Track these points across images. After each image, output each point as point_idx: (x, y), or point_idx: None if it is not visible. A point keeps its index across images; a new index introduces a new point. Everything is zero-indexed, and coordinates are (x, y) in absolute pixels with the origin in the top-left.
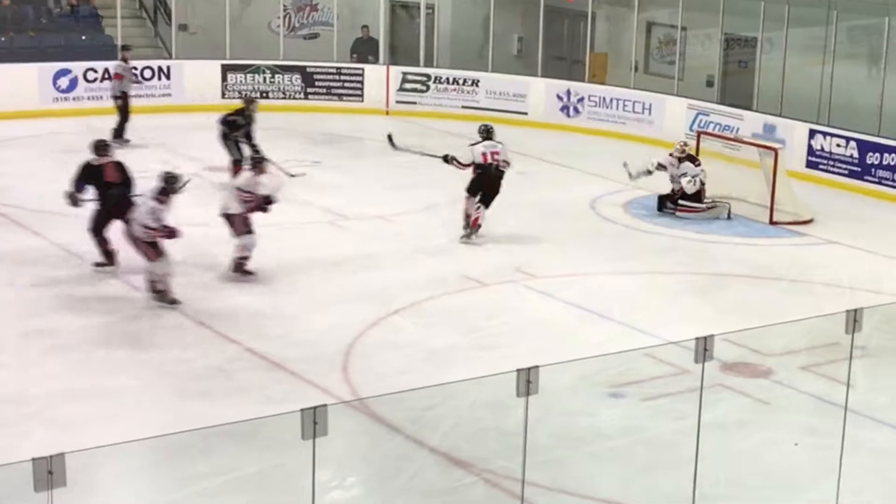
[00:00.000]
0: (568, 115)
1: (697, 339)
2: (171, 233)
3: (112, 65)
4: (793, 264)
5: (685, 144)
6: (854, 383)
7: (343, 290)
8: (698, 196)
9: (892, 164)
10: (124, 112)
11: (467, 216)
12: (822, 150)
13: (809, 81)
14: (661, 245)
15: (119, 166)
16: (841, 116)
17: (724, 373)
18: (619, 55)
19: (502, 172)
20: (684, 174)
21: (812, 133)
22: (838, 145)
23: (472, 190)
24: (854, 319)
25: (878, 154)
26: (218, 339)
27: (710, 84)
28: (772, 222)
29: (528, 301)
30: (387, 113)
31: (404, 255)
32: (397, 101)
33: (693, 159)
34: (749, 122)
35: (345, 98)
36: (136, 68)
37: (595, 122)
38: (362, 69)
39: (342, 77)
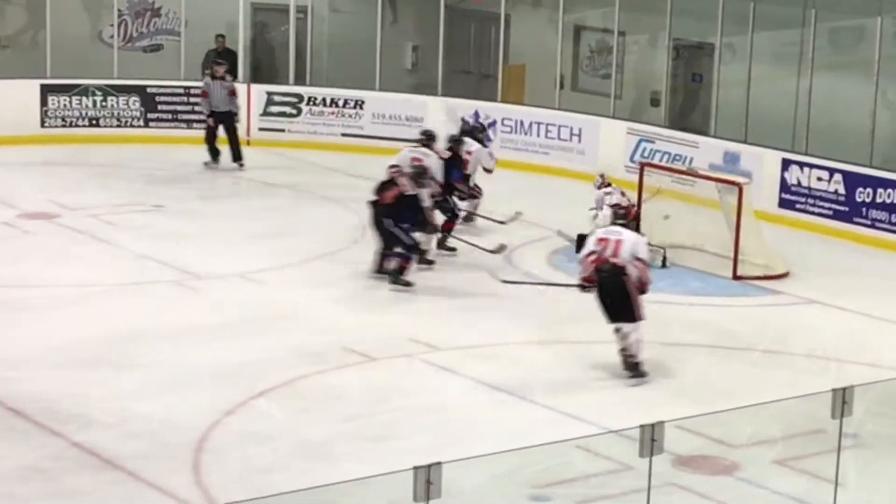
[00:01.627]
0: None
1: (643, 426)
2: None
3: None
4: (764, 330)
5: (601, 176)
6: (843, 481)
7: (193, 367)
8: None
9: (887, 202)
10: None
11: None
12: (799, 184)
13: (782, 98)
14: (594, 306)
15: None
16: (823, 142)
17: (678, 469)
18: (540, 67)
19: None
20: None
21: (786, 164)
22: (819, 179)
23: None
24: (843, 400)
25: (869, 189)
26: (35, 430)
27: (655, 103)
28: (736, 277)
29: (427, 379)
30: (248, 143)
31: (270, 322)
32: (261, 129)
33: (607, 186)
34: (706, 151)
35: (195, 125)
36: None
37: (510, 152)
38: None
39: (191, 99)
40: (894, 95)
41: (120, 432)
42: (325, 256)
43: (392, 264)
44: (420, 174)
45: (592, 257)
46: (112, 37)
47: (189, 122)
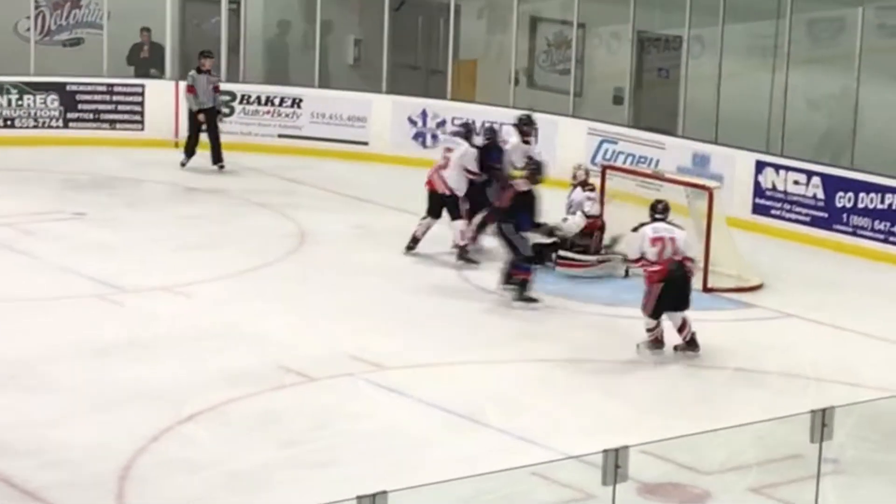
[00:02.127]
0: (424, 146)
1: (606, 451)
2: None
3: None
4: (737, 347)
5: (579, 168)
6: None
7: (116, 389)
8: (587, 245)
9: (870, 207)
10: None
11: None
12: (775, 188)
13: (756, 95)
14: (554, 321)
15: None
16: (800, 143)
17: (644, 498)
18: (493, 62)
19: None
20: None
21: (760, 166)
22: (797, 182)
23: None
24: (822, 423)
25: (850, 194)
26: None
27: (618, 101)
28: (706, 289)
29: (371, 402)
30: (176, 145)
31: (199, 340)
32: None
33: (585, 185)
34: (673, 152)
35: (119, 126)
36: None
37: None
38: (142, 86)
39: (115, 97)
40: (877, 92)
41: (38, 461)
42: (259, 268)
43: (517, 277)
44: (536, 170)
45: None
46: (28, 30)
47: (112, 123)
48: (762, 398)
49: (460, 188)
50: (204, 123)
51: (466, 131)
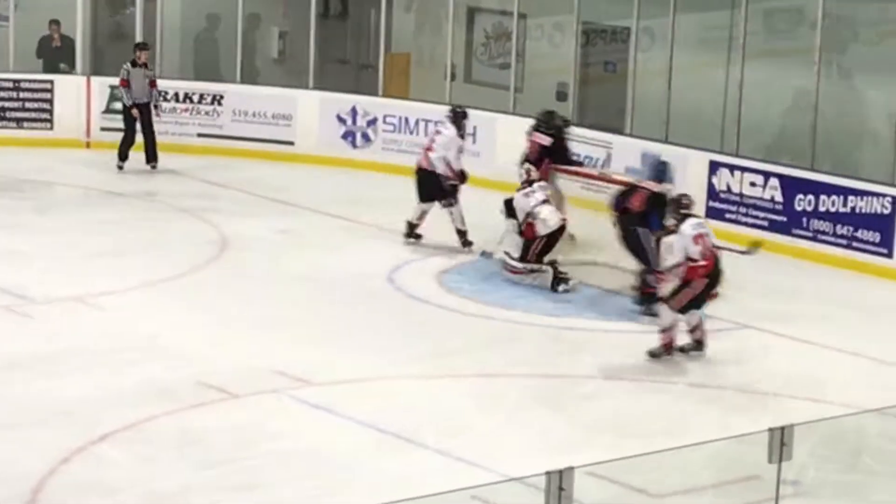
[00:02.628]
0: (354, 145)
1: (549, 473)
2: None
3: None
4: (690, 360)
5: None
6: None
7: (24, 406)
8: (527, 250)
9: (832, 210)
10: None
11: None
12: (730, 190)
13: (709, 91)
14: (493, 333)
15: None
16: (756, 141)
17: None
18: (428, 56)
19: None
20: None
21: (714, 166)
22: (753, 184)
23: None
24: (781, 442)
25: (810, 197)
26: None
27: (562, 97)
28: (658, 298)
29: (297, 420)
30: (87, 145)
31: (113, 353)
32: (103, 129)
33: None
34: (621, 151)
35: (26, 124)
36: None
37: (393, 154)
38: (51, 82)
39: (22, 94)
40: (839, 87)
41: None
42: (178, 277)
43: (647, 293)
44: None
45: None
46: None
47: (19, 122)
48: (717, 415)
49: (444, 172)
50: (138, 120)
51: (455, 116)
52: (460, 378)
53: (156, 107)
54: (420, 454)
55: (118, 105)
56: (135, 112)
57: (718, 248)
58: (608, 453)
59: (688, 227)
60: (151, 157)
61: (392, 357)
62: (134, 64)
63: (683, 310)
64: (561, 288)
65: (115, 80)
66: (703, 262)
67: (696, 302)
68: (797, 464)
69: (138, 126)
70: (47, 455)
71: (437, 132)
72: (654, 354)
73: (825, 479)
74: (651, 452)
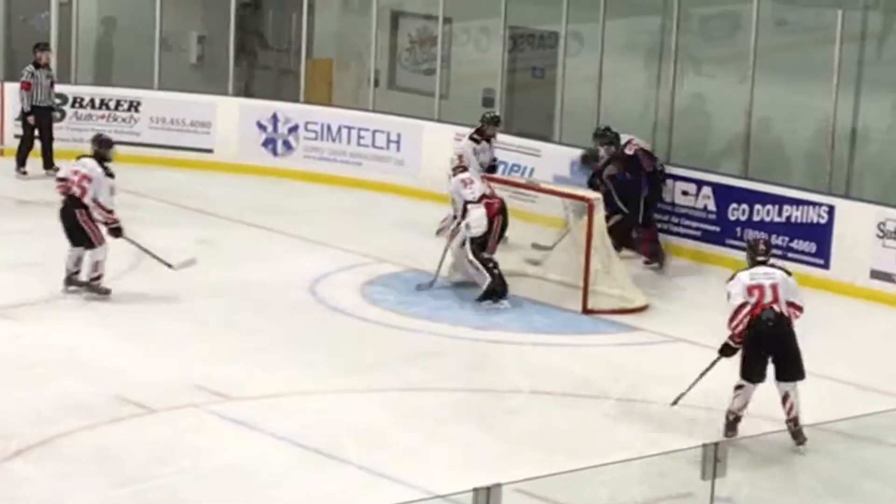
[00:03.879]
0: (275, 153)
1: (476, 489)
2: None
3: None
4: (619, 374)
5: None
6: None
7: None
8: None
9: (766, 220)
10: None
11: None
12: (661, 200)
13: (640, 98)
14: (416, 347)
15: None
16: (689, 149)
17: None
18: (350, 61)
19: None
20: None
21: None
22: (685, 193)
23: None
24: (714, 458)
25: (745, 206)
26: None
27: (488, 103)
28: (586, 311)
29: (217, 435)
30: (1, 153)
31: (25, 367)
32: (17, 136)
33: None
34: (550, 160)
35: None
36: None
37: (316, 162)
38: None
39: None
40: (773, 94)
41: None
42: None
43: None
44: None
45: (746, 309)
46: None
47: None
48: (648, 431)
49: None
50: (36, 126)
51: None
52: (383, 392)
53: (54, 110)
54: (342, 470)
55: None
56: (31, 119)
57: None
58: (536, 469)
59: (748, 275)
60: (49, 162)
61: (314, 371)
62: (37, 65)
63: (745, 374)
64: (486, 304)
65: None
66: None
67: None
68: (731, 481)
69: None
70: None
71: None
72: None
73: (759, 497)
74: (581, 469)
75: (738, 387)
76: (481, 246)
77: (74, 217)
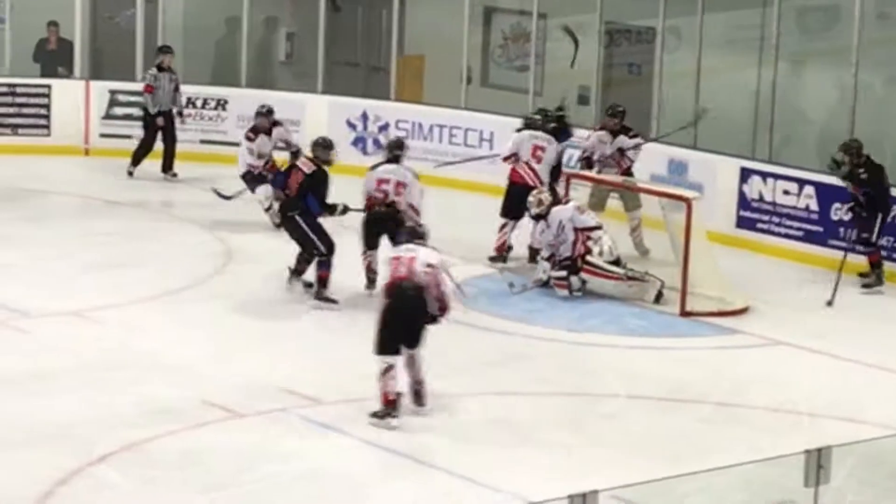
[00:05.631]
0: (364, 152)
1: (571, 496)
2: None
3: None
4: (719, 378)
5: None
6: None
7: (18, 425)
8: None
9: None
10: None
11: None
12: (762, 199)
13: (739, 94)
14: (506, 349)
15: None
16: (790, 147)
17: None
18: (442, 59)
19: None
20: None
21: (745, 174)
22: (787, 192)
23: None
24: (818, 464)
25: (849, 205)
26: None
27: (583, 100)
28: (684, 313)
29: (305, 440)
30: (86, 152)
31: (111, 371)
32: (102, 135)
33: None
34: (647, 158)
35: (22, 131)
36: None
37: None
38: (49, 87)
39: (18, 99)
40: (878, 89)
41: None
42: (181, 290)
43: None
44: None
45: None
46: None
47: (14, 128)
48: (749, 437)
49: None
50: (161, 129)
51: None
52: (474, 396)
53: (180, 114)
54: (432, 476)
55: (118, 111)
56: (160, 121)
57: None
58: (633, 475)
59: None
60: (169, 166)
61: (403, 374)
62: (160, 68)
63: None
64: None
65: (115, 84)
66: None
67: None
68: (834, 488)
69: (159, 134)
70: (43, 477)
71: (541, 147)
72: None
73: None
74: (678, 475)
75: None
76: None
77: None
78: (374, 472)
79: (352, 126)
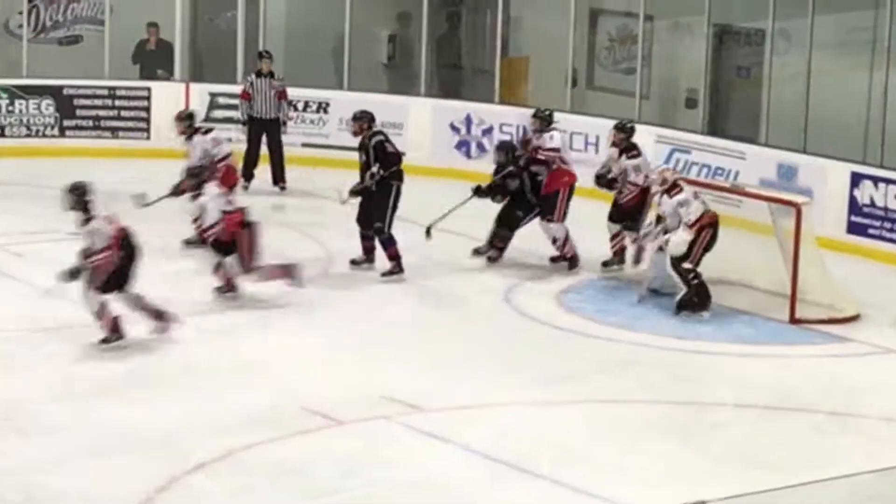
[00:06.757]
0: (468, 156)
1: None
2: None
3: None
4: (830, 387)
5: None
6: None
7: (114, 431)
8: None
9: None
10: None
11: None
12: (874, 204)
13: (850, 97)
14: (615, 357)
15: None
16: None
17: None
18: (547, 61)
19: None
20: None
21: (856, 178)
22: None
23: None
24: None
25: None
26: None
27: (691, 104)
28: (794, 320)
29: (408, 448)
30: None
31: (208, 377)
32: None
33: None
34: (755, 163)
35: (122, 134)
36: None
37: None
38: (149, 89)
39: (118, 102)
40: None
41: None
42: (280, 296)
43: None
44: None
45: None
46: (21, 27)
47: (114, 131)
48: (860, 446)
49: None
50: (259, 138)
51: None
52: (579, 403)
53: (284, 123)
54: (536, 484)
55: (218, 113)
56: (254, 127)
57: None
58: (742, 486)
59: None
60: (279, 177)
61: (508, 381)
62: (259, 74)
63: None
64: (683, 314)
65: (216, 87)
66: None
67: None
68: None
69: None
70: (140, 484)
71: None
72: None
73: None
74: (787, 486)
75: None
76: (683, 256)
77: None
78: (479, 480)
79: (455, 129)
